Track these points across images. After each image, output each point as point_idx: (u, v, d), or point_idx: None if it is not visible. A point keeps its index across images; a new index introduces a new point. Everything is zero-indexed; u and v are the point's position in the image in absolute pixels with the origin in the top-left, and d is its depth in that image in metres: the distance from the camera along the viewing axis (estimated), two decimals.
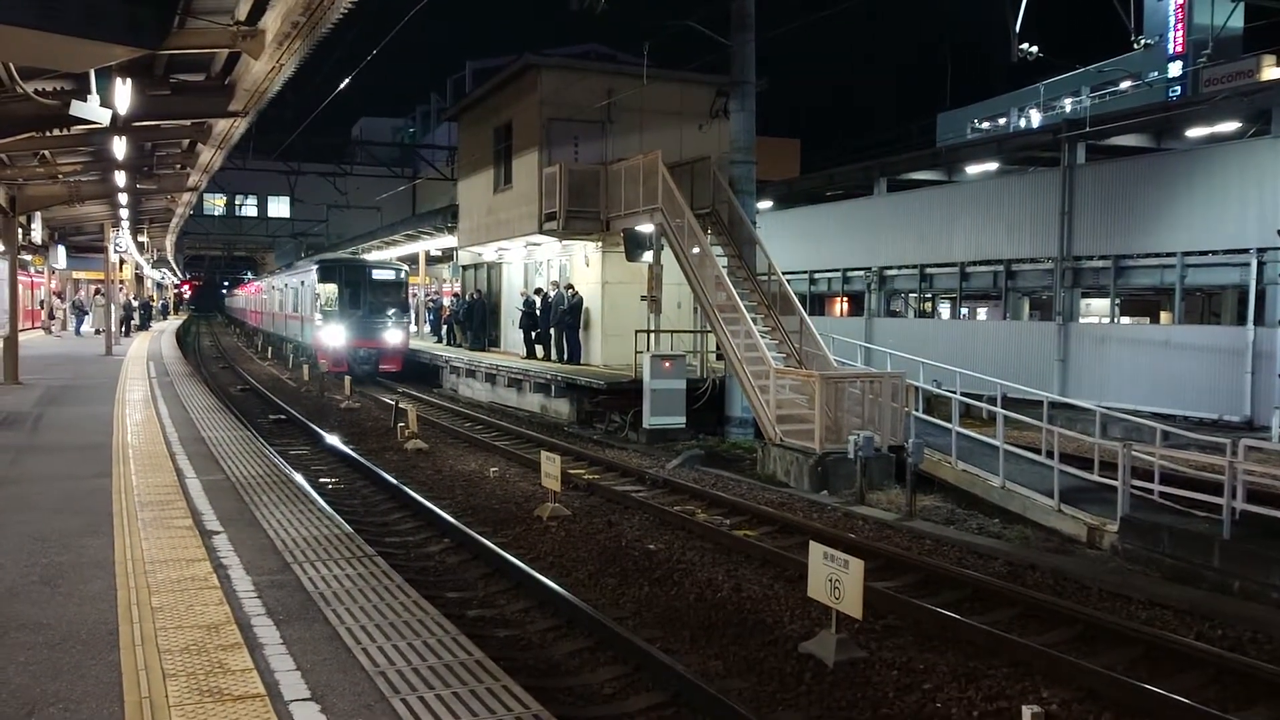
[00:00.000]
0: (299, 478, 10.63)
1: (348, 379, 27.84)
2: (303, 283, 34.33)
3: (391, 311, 31.31)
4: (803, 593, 8.19)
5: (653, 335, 20.32)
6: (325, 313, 30.76)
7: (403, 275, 33.01)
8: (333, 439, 17.75)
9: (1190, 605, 9.18)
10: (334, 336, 30.27)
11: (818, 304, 34.21)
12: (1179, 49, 41.40)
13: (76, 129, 15.12)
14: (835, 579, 7.48)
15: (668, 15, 20.27)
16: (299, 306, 35.21)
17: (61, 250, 36.36)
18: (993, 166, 28.45)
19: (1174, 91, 38.83)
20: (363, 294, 31.21)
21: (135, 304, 44.72)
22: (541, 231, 24.33)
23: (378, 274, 32.17)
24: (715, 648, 7.95)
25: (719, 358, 20.27)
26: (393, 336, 31.06)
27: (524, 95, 26.35)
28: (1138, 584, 9.94)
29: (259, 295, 54.69)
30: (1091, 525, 11.87)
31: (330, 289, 31.24)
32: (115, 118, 12.56)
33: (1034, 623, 8.72)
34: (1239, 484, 10.52)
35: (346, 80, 21.81)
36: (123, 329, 36.62)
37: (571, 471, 14.73)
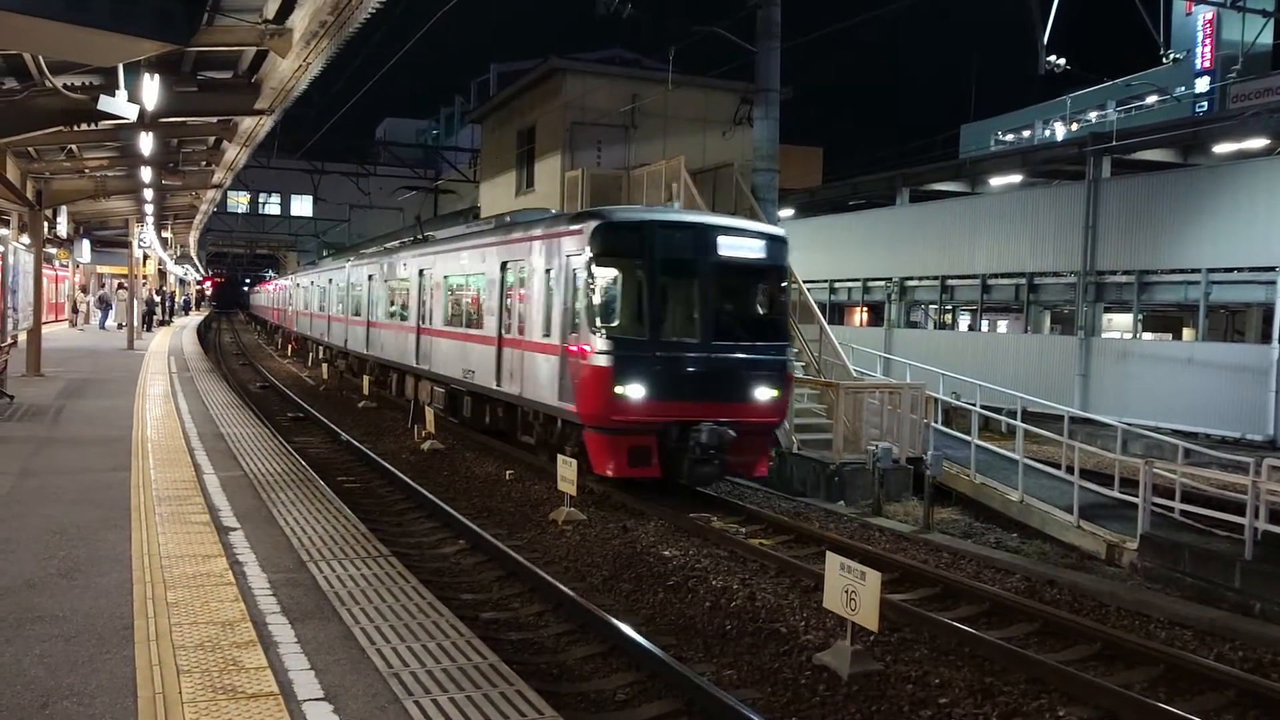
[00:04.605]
0: (316, 476, 10.65)
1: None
2: (506, 264, 15.97)
3: (761, 332, 13.72)
4: (818, 603, 8.14)
5: None
6: (614, 334, 12.78)
7: (780, 251, 13.98)
8: (350, 438, 17.78)
9: (1210, 625, 9.07)
10: (633, 389, 12.66)
11: (837, 313, 34.12)
12: (1207, 64, 41.18)
13: (104, 124, 15.28)
14: (851, 590, 7.43)
15: (693, 20, 20.22)
16: (496, 312, 16.27)
17: (86, 244, 36.66)
18: (1016, 179, 28.33)
19: (1201, 107, 38.61)
20: (700, 289, 13.31)
21: (157, 299, 45.03)
22: None
23: (730, 246, 13.47)
24: (729, 656, 7.90)
25: None
26: (763, 392, 13.29)
27: (548, 99, 26.41)
28: (1157, 603, 9.82)
29: (318, 289, 35.76)
30: (1111, 542, 11.77)
31: (612, 276, 13.17)
32: (142, 113, 12.66)
33: (1052, 639, 8.64)
34: (1262, 504, 10.40)
35: (372, 81, 21.93)
36: (145, 324, 36.89)
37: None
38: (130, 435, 12.13)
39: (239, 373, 32.55)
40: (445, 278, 19.52)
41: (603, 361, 12.55)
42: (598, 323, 12.67)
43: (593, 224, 13.15)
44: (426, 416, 18.05)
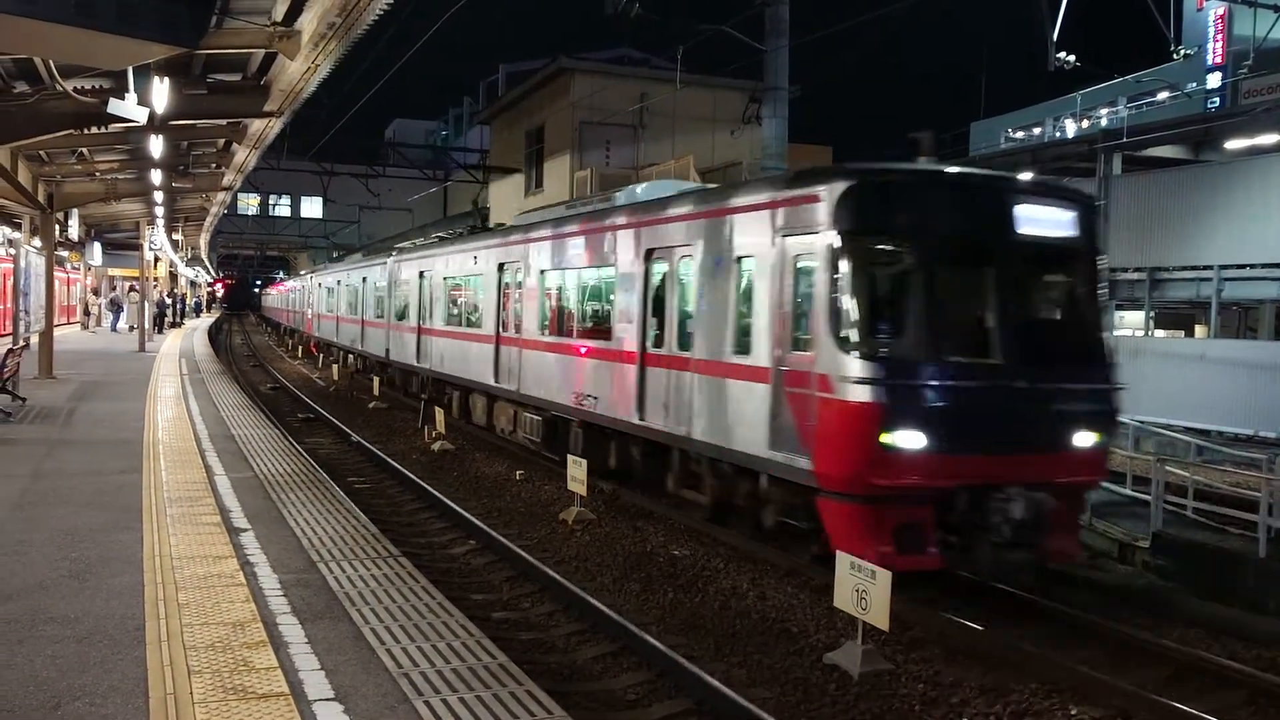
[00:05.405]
0: (326, 476, 10.68)
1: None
2: (654, 253, 12.14)
3: (1080, 348, 9.53)
4: (828, 603, 8.12)
5: None
6: (878, 355, 8.54)
7: (1094, 225, 10.07)
8: (360, 438, 17.82)
9: (1224, 624, 9.03)
10: (910, 438, 8.38)
11: None
12: (1218, 60, 40.97)
13: (114, 127, 15.32)
14: (862, 589, 7.40)
15: (702, 20, 20.25)
16: (636, 319, 12.37)
17: (98, 247, 36.83)
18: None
19: (1213, 103, 38.38)
20: (998, 285, 9.03)
21: (168, 301, 45.19)
22: None
23: (1033, 219, 9.27)
24: (739, 656, 7.90)
25: None
26: (1085, 437, 9.06)
27: (556, 98, 26.46)
28: (1170, 601, 9.78)
29: (346, 289, 32.12)
30: (1123, 540, 11.71)
31: (871, 265, 9.09)
32: (152, 116, 12.72)
33: (1064, 638, 8.59)
34: (1275, 502, 10.35)
35: (380, 82, 21.96)
36: (156, 326, 37.02)
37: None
38: (141, 437, 12.17)
39: (250, 374, 32.65)
40: (541, 273, 15.39)
41: (862, 395, 8.35)
42: (852, 336, 8.50)
43: (841, 185, 8.87)
44: (437, 418, 18.07)
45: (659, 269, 11.98)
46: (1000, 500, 8.53)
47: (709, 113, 25.82)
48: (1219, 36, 41.35)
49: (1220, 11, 40.94)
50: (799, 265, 9.31)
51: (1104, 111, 41.44)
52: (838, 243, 8.69)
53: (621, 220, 13.02)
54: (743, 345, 10.09)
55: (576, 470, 12.01)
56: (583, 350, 13.80)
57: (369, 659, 5.07)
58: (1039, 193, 9.79)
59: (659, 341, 11.81)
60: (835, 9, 19.01)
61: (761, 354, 9.69)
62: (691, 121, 25.75)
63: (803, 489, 9.19)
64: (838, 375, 8.50)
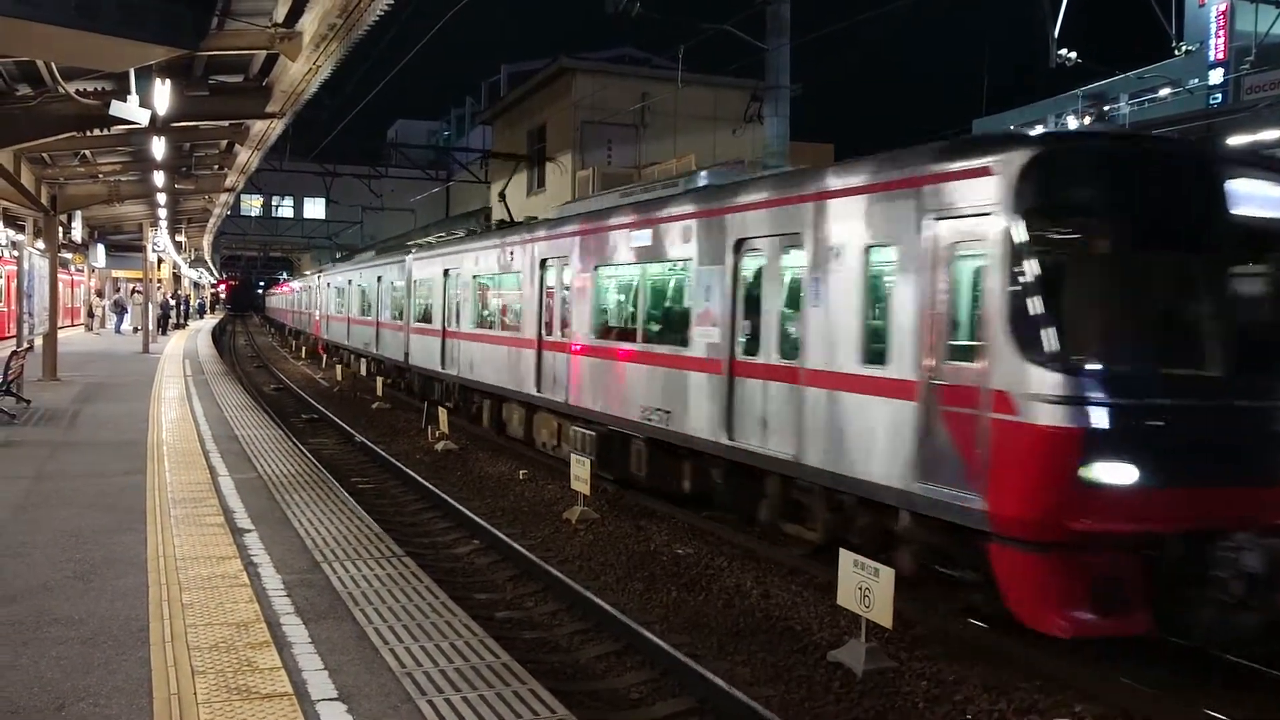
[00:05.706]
0: (330, 477, 10.70)
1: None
2: (744, 243, 10.40)
3: None
4: (831, 601, 8.12)
5: None
6: (1077, 368, 6.84)
7: None
8: (364, 439, 17.84)
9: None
10: (1118, 471, 6.76)
11: None
12: (1220, 56, 40.93)
13: (116, 129, 15.39)
14: (865, 587, 7.40)
15: (703, 19, 20.24)
16: (724, 322, 10.63)
17: (101, 249, 36.91)
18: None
19: (1215, 99, 38.35)
20: (1209, 279, 7.52)
21: (172, 302, 45.27)
22: None
23: (1248, 196, 7.59)
24: (743, 654, 7.89)
25: None
26: None
27: (558, 98, 26.49)
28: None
29: (358, 289, 30.67)
30: None
31: (1057, 255, 7.14)
32: (154, 118, 12.75)
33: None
34: None
35: (382, 83, 21.96)
36: (160, 328, 37.09)
37: (600, 475, 14.71)
38: (145, 439, 12.20)
39: (253, 375, 32.69)
40: (595, 269, 13.70)
41: (1058, 418, 6.75)
42: (1043, 344, 6.84)
43: (1023, 155, 7.20)
44: (440, 417, 18.08)
45: (752, 263, 10.30)
46: (1229, 550, 6.86)
47: (710, 112, 25.87)
48: (1221, 32, 41.30)
49: (1222, 7, 40.92)
50: (958, 255, 7.69)
51: (1106, 108, 41.40)
52: (1019, 227, 7.01)
53: (700, 207, 11.24)
54: (875, 354, 8.43)
55: (579, 469, 12.02)
56: (651, 357, 12.12)
57: (372, 659, 5.08)
58: (1252, 164, 8.13)
59: (752, 348, 10.20)
60: (836, 7, 18.99)
61: (903, 364, 8.02)
62: (693, 120, 25.80)
63: (963, 531, 7.51)
64: (1022, 392, 6.87)
